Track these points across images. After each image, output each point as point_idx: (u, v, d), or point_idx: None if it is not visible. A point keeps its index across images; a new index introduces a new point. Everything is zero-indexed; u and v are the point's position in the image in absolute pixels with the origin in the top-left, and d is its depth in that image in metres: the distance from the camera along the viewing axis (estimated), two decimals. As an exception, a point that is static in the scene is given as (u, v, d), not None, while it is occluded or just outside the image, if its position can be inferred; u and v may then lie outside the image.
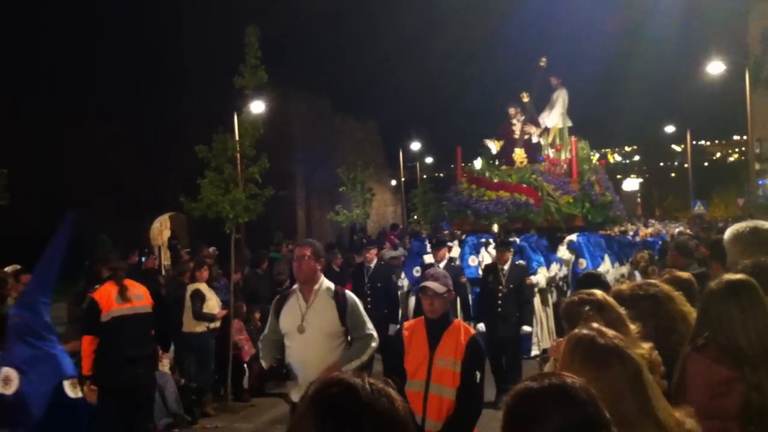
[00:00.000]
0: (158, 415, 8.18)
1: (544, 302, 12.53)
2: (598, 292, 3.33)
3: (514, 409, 1.71)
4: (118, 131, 29.21)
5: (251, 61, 9.87)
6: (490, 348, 9.13)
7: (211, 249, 14.93)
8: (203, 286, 9.61)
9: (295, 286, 5.34)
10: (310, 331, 5.00)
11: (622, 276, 12.48)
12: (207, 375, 9.60)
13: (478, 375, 4.36)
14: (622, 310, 3.27)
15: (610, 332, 2.40)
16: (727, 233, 3.94)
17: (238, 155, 9.78)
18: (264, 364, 5.40)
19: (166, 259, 20.84)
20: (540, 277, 12.09)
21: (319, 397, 1.53)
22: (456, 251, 12.86)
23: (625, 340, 2.42)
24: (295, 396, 4.90)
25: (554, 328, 11.88)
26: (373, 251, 10.89)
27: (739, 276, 3.10)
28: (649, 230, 30.70)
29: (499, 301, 9.48)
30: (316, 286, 5.14)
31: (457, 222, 15.43)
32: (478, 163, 15.76)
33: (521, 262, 11.05)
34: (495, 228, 13.67)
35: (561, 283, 12.88)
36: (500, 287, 9.51)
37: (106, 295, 6.53)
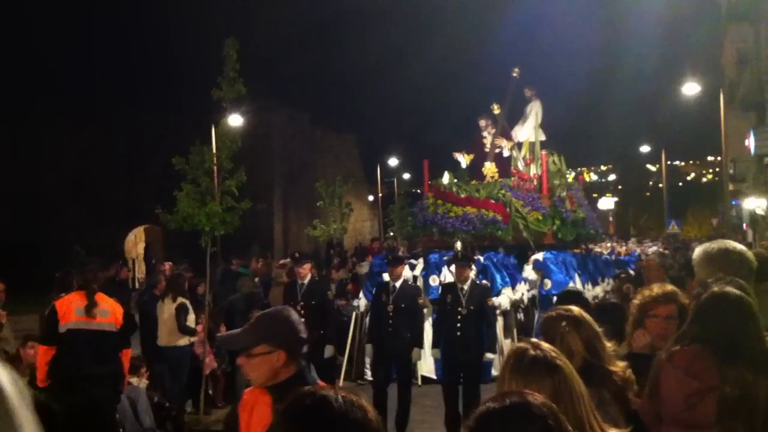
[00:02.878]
0: (130, 430, 8.07)
1: (508, 325, 11.74)
2: (576, 308, 3.32)
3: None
4: (96, 141, 28.99)
5: (230, 74, 9.84)
6: (446, 374, 8.58)
7: (167, 264, 14.70)
8: (186, 301, 9.60)
9: None
10: None
11: (595, 298, 11.60)
12: (181, 388, 9.52)
13: None
14: (598, 327, 3.27)
15: (546, 346, 2.42)
16: (696, 252, 3.93)
17: (215, 167, 9.73)
18: None
19: (140, 272, 20.67)
20: (504, 299, 11.41)
21: (291, 409, 1.53)
22: (420, 269, 12.19)
23: (560, 353, 2.42)
24: None
25: None
26: (307, 266, 9.57)
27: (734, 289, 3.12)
28: (623, 249, 30.97)
29: (459, 324, 8.45)
30: None
31: (423, 239, 14.42)
32: (446, 178, 14.93)
33: (485, 281, 10.37)
34: (458, 245, 12.66)
35: (528, 304, 12.10)
36: (460, 308, 8.45)
37: (66, 304, 6.14)
